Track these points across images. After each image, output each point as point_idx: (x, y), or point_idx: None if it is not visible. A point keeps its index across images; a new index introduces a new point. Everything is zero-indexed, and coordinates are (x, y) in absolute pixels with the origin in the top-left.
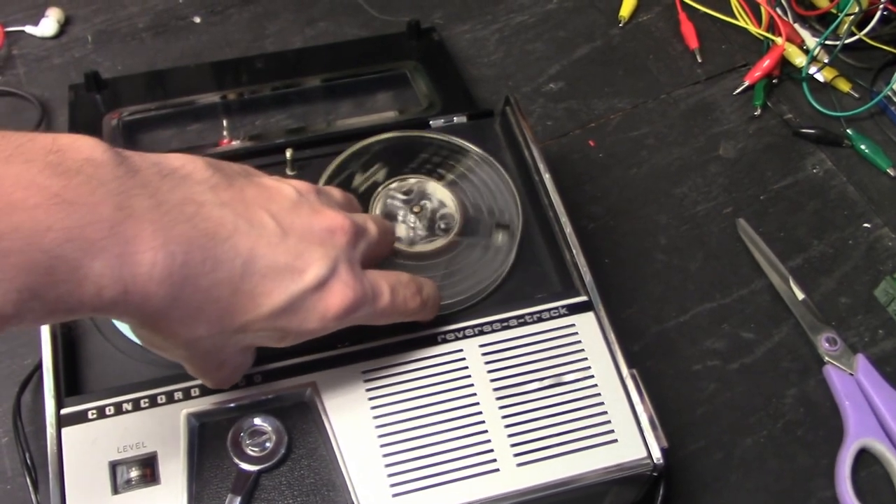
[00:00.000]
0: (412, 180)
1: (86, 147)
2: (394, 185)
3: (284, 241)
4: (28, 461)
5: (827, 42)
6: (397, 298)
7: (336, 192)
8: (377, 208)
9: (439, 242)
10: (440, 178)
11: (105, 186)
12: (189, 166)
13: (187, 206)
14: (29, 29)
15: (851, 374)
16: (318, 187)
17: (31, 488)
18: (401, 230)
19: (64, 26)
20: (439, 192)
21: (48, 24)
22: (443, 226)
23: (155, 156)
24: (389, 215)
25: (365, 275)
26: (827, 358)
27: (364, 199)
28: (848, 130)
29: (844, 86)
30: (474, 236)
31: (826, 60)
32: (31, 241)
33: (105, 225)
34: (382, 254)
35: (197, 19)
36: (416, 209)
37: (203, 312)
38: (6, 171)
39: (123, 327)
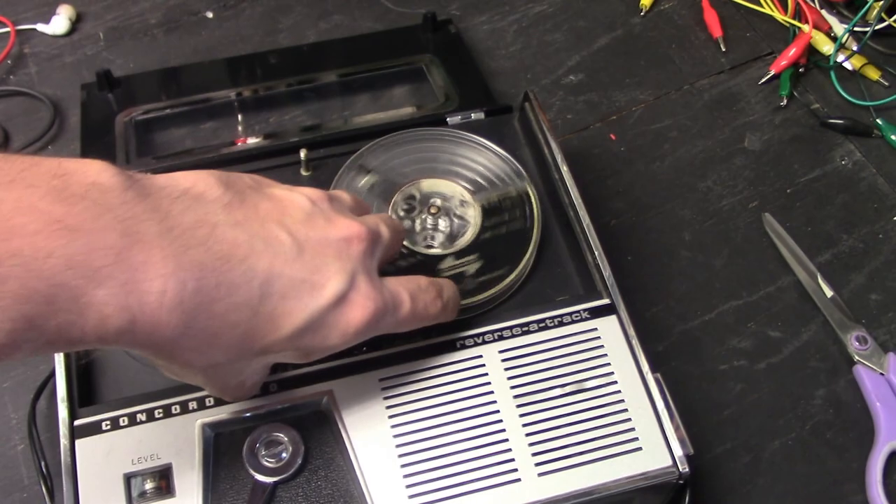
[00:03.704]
0: (411, 184)
1: (92, 171)
2: (401, 194)
3: (301, 257)
4: (44, 470)
5: (855, 29)
6: (418, 305)
7: (346, 197)
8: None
9: (466, 238)
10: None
11: (111, 212)
12: (200, 185)
13: (200, 230)
14: (40, 27)
15: (882, 374)
16: (329, 193)
17: (46, 497)
18: (424, 239)
19: (75, 24)
20: (443, 186)
21: (59, 22)
22: (461, 223)
23: (165, 177)
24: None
25: (384, 284)
26: (857, 357)
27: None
28: (878, 120)
29: (874, 74)
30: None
31: (855, 48)
32: (30, 268)
33: (110, 252)
34: (394, 252)
35: (209, 14)
36: (432, 210)
37: (220, 339)
38: (7, 195)
39: None
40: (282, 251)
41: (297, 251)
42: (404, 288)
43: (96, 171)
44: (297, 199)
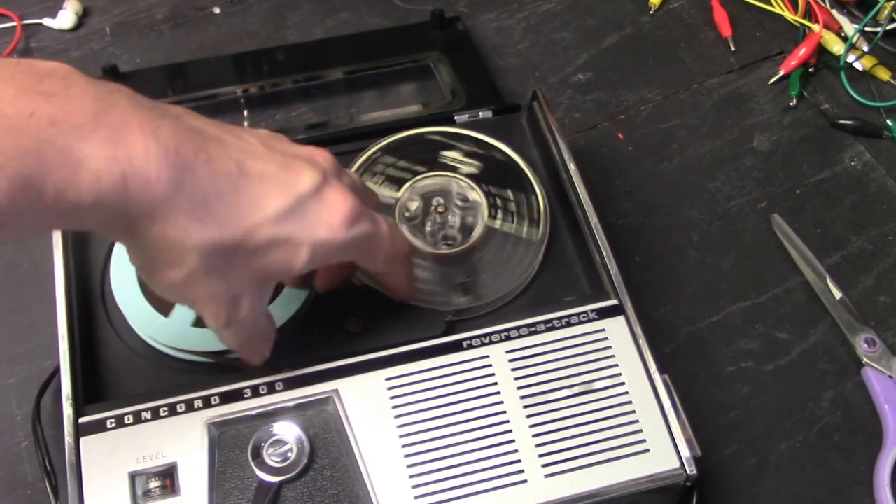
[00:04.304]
0: (406, 193)
1: (52, 62)
2: (424, 182)
3: (270, 154)
4: (48, 467)
5: (866, 29)
6: (392, 230)
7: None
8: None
9: (475, 235)
10: (463, 172)
11: (79, 86)
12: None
13: (169, 110)
14: (47, 21)
15: (891, 377)
16: None
17: (50, 495)
18: (443, 240)
19: (82, 18)
20: (440, 182)
21: (66, 17)
22: (470, 219)
23: None
24: (414, 217)
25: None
26: (865, 359)
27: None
28: (888, 121)
29: (884, 74)
30: (506, 222)
31: (865, 48)
32: (15, 126)
33: (88, 112)
34: (395, 255)
35: (216, 10)
36: (439, 209)
37: (210, 207)
38: None
39: (142, 328)
40: (250, 147)
41: (265, 149)
42: (373, 211)
43: (56, 62)
44: (264, 130)
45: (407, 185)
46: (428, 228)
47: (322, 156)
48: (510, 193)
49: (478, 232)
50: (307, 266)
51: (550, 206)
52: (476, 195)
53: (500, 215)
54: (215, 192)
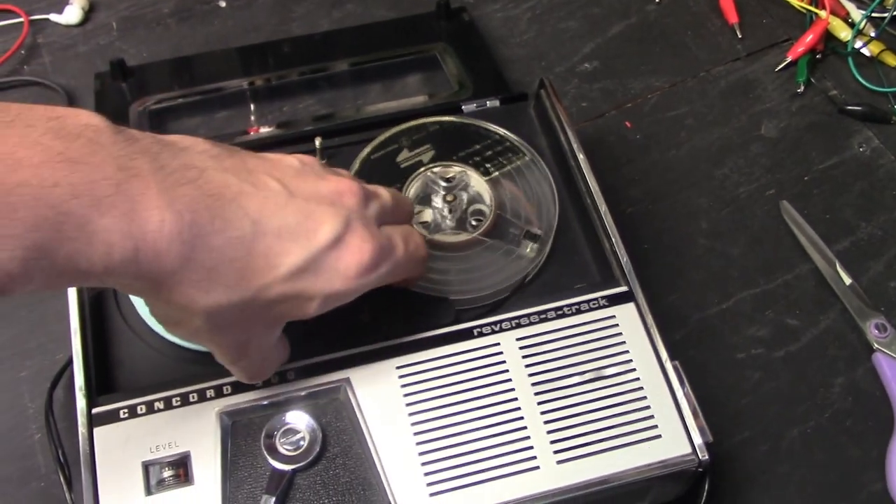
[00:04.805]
0: (457, 168)
1: (84, 115)
2: (437, 170)
3: (292, 202)
4: (61, 458)
5: (873, 14)
6: (409, 247)
7: (344, 171)
8: (413, 187)
9: (462, 237)
10: (485, 172)
11: (106, 149)
12: (188, 140)
13: (189, 171)
14: (54, 17)
15: None
16: (324, 162)
17: (64, 486)
18: (427, 215)
19: (88, 13)
20: (480, 187)
21: (73, 12)
22: (473, 222)
23: (151, 133)
24: (423, 197)
25: (379, 229)
26: (876, 345)
27: (404, 176)
28: None
29: (892, 60)
30: (500, 240)
31: (873, 34)
32: (38, 197)
33: (110, 183)
34: (402, 218)
35: (222, 3)
36: (449, 198)
37: (219, 274)
38: (8, 132)
39: (154, 319)
40: (272, 196)
41: (287, 197)
42: (396, 232)
43: (87, 115)
44: (287, 158)
45: (433, 165)
46: (437, 204)
47: (350, 191)
48: (523, 200)
49: (474, 234)
50: (318, 313)
51: (559, 194)
52: (488, 198)
53: (504, 222)
54: (226, 259)
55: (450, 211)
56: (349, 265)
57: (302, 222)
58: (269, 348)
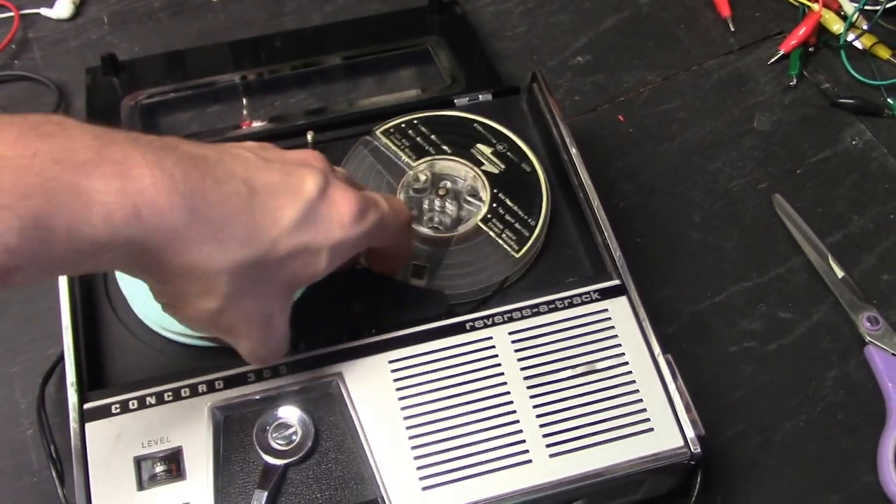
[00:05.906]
0: (449, 163)
1: (47, 113)
2: (423, 167)
3: (270, 164)
4: (53, 454)
5: (866, 7)
6: (392, 203)
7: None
8: (404, 191)
9: (453, 231)
10: (477, 164)
11: (76, 127)
12: (163, 138)
13: (166, 143)
14: (44, 11)
15: (894, 355)
16: None
17: (56, 481)
18: (430, 221)
19: (80, 8)
20: (472, 181)
21: (63, 6)
22: (465, 215)
23: None
24: (415, 199)
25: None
26: (868, 338)
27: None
28: (888, 99)
29: (884, 53)
30: (492, 234)
31: (865, 27)
32: (18, 166)
33: (89, 149)
34: (400, 227)
35: None
36: (440, 192)
37: (227, 227)
38: None
39: (145, 314)
40: (251, 160)
41: (264, 161)
42: (372, 192)
43: (51, 113)
44: (247, 142)
45: (427, 158)
46: (425, 206)
47: (314, 157)
48: (516, 208)
49: (465, 228)
50: (329, 268)
51: (551, 188)
52: (484, 195)
53: (494, 223)
54: (230, 213)
55: (446, 202)
56: (342, 213)
57: (285, 180)
58: (287, 324)
